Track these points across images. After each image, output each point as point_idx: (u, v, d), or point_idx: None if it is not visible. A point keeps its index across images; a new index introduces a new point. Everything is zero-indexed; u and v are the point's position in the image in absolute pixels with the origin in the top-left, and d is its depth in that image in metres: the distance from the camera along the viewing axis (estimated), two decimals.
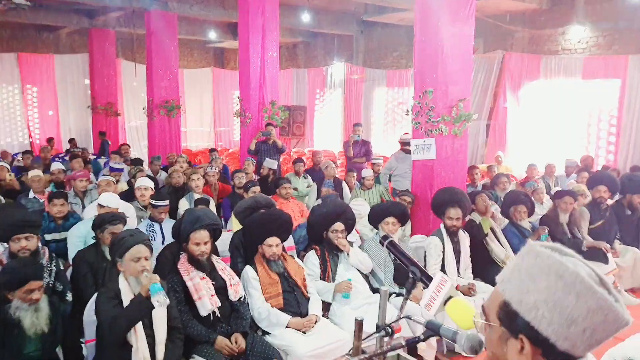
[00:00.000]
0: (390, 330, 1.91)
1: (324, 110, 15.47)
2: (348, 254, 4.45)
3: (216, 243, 4.19)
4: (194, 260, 3.73)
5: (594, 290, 1.07)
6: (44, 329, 3.07)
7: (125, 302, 3.19)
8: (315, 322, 3.90)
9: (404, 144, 8.13)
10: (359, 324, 1.88)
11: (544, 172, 8.75)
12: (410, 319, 1.82)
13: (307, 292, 4.08)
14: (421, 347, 4.39)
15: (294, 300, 3.96)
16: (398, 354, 2.46)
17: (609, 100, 9.81)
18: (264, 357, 3.53)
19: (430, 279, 1.94)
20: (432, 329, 1.72)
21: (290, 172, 8.12)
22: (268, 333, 3.80)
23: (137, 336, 3.13)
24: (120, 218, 4.18)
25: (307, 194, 7.46)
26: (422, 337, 1.79)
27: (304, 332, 3.79)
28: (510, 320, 1.17)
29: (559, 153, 9.80)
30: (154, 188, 6.16)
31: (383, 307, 1.98)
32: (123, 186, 6.72)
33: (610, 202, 6.59)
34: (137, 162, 8.55)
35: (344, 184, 7.80)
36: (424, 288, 1.95)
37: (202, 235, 3.72)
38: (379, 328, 1.93)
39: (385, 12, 11.43)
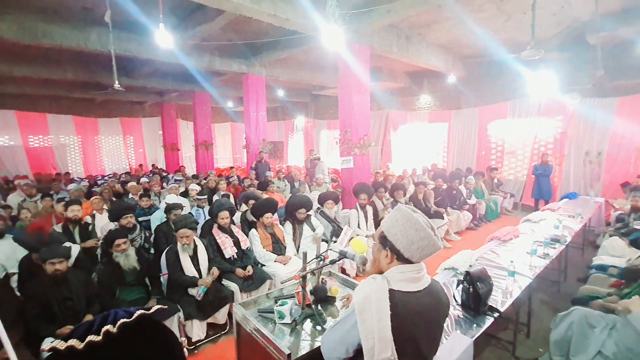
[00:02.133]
0: (322, 257, 1.95)
1: (293, 143, 15.38)
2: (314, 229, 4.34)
3: (233, 218, 4.23)
4: (221, 227, 3.75)
5: (424, 228, 1.16)
6: (136, 266, 3.07)
7: (181, 255, 3.23)
8: (290, 258, 3.93)
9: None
10: (304, 254, 1.94)
11: (411, 173, 9.02)
12: (332, 250, 1.92)
13: (285, 242, 4.09)
14: (347, 269, 4.43)
15: (277, 247, 3.99)
16: (329, 271, 2.56)
17: (443, 134, 10.05)
18: (263, 279, 3.57)
19: (341, 229, 2.03)
20: (342, 254, 1.80)
21: (275, 177, 8.12)
22: (264, 265, 3.82)
23: (189, 271, 3.19)
24: (180, 206, 4.15)
25: (285, 189, 7.48)
26: (337, 258, 1.83)
27: (284, 264, 3.82)
28: (383, 240, 1.24)
29: (419, 162, 10.00)
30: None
31: (318, 245, 2.06)
32: (181, 189, 6.61)
33: (444, 187, 6.89)
34: (195, 177, 8.44)
35: (306, 184, 7.86)
36: (337, 235, 2.05)
37: (225, 213, 3.74)
38: (316, 256, 1.98)
39: (324, 89, 11.53)
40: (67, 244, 3.47)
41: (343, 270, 4.39)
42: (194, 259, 3.29)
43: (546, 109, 7.92)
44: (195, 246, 3.35)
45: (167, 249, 3.31)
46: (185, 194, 5.93)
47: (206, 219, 4.61)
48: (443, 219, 5.88)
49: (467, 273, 2.41)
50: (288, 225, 4.37)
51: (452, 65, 8.51)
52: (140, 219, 4.73)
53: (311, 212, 4.95)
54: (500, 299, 2.50)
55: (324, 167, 9.41)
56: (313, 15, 4.91)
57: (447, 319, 1.32)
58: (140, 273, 3.12)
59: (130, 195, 6.13)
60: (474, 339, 2.06)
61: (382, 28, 6.29)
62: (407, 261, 1.20)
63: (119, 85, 5.25)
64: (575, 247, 5.19)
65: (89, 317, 2.64)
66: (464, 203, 6.76)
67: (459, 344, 2.02)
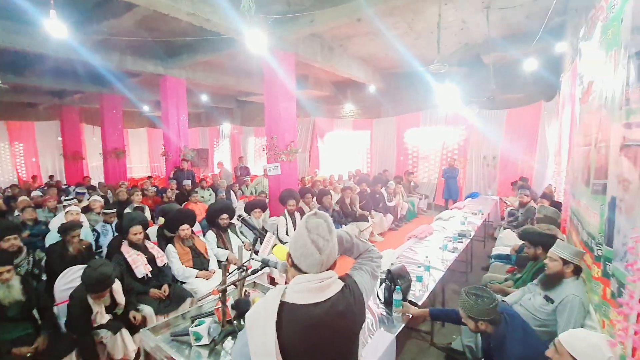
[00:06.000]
0: (244, 267, 1.83)
1: (220, 151, 14.68)
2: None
3: (149, 232, 3.82)
4: (132, 244, 3.34)
5: (302, 235, 1.12)
6: (20, 298, 2.53)
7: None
8: (214, 272, 3.67)
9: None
10: (223, 267, 1.79)
11: (337, 179, 9.22)
12: (252, 259, 1.81)
13: (208, 255, 3.81)
14: (276, 278, 4.28)
15: (199, 262, 3.70)
16: (254, 282, 2.43)
17: (366, 141, 10.53)
18: (182, 297, 3.26)
19: (263, 236, 1.92)
20: (265, 263, 1.70)
21: (198, 187, 7.62)
22: (184, 283, 3.51)
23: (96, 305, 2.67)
24: (78, 226, 3.57)
25: (209, 199, 7.06)
26: (259, 268, 1.73)
27: (207, 279, 3.55)
28: (288, 258, 1.19)
29: (345, 168, 10.29)
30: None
31: (240, 255, 1.93)
32: (84, 203, 5.78)
33: (369, 191, 7.22)
34: (92, 188, 7.45)
35: (232, 192, 7.56)
36: (261, 242, 1.94)
37: (137, 228, 3.35)
38: (237, 267, 1.84)
39: (251, 95, 11.28)
40: None
41: (272, 280, 4.26)
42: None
43: (452, 118, 8.87)
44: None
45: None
46: (86, 209, 5.21)
47: (115, 236, 4.09)
48: (368, 221, 6.12)
49: (389, 271, 2.51)
50: (211, 235, 4.09)
51: (372, 76, 9.02)
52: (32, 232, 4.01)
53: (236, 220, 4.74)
54: (419, 293, 2.65)
55: (228, 173, 9.41)
56: (235, 18, 4.75)
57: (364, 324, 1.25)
58: (26, 305, 2.59)
59: (16, 213, 5.17)
60: (396, 334, 2.13)
61: (307, 37, 6.39)
62: (299, 269, 1.14)
63: (1, 84, 4.41)
64: (478, 240, 5.84)
65: None
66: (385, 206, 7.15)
67: (382, 341, 2.06)
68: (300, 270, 1.14)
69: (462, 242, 3.89)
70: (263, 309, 1.08)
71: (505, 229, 5.12)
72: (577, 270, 2.37)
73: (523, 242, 3.13)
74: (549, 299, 2.35)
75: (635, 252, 1.49)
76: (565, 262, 2.34)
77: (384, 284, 2.54)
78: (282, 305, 1.08)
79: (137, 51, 7.16)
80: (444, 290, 3.55)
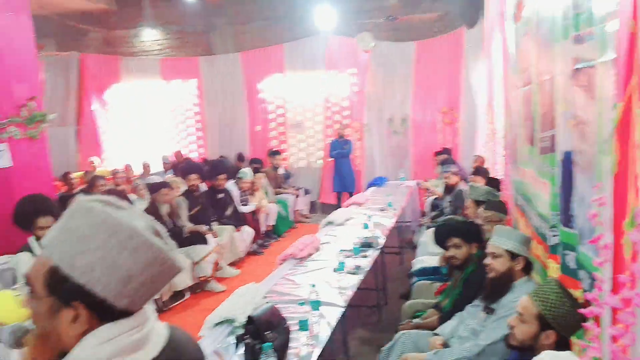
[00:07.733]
0: None
1: None
2: None
3: None
4: None
5: (150, 242, 1.06)
6: None
7: None
8: None
9: None
10: None
11: (142, 172, 8.97)
12: None
13: None
14: None
15: None
16: None
17: (191, 99, 10.52)
18: None
19: None
20: None
21: None
22: None
23: None
24: None
25: None
26: None
27: None
28: (60, 287, 1.05)
29: (153, 150, 10.11)
30: None
31: None
32: None
33: (203, 189, 7.17)
34: None
35: None
36: None
37: None
38: None
39: None
40: None
41: None
42: None
43: (336, 57, 9.53)
44: None
45: None
46: None
47: None
48: (207, 243, 6.13)
49: (250, 320, 2.64)
50: None
51: None
52: None
53: None
54: (304, 349, 2.75)
55: None
56: None
57: None
58: None
59: None
60: None
61: None
62: (120, 314, 1.08)
63: None
64: (391, 251, 6.46)
65: None
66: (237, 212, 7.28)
67: None
68: (117, 314, 1.07)
69: (367, 257, 4.22)
70: None
71: (428, 228, 5.79)
72: (528, 267, 2.84)
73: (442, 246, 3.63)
74: (488, 310, 2.75)
75: (599, 220, 1.84)
76: (513, 255, 2.76)
77: (242, 343, 2.59)
78: None
79: None
80: (346, 340, 3.77)
